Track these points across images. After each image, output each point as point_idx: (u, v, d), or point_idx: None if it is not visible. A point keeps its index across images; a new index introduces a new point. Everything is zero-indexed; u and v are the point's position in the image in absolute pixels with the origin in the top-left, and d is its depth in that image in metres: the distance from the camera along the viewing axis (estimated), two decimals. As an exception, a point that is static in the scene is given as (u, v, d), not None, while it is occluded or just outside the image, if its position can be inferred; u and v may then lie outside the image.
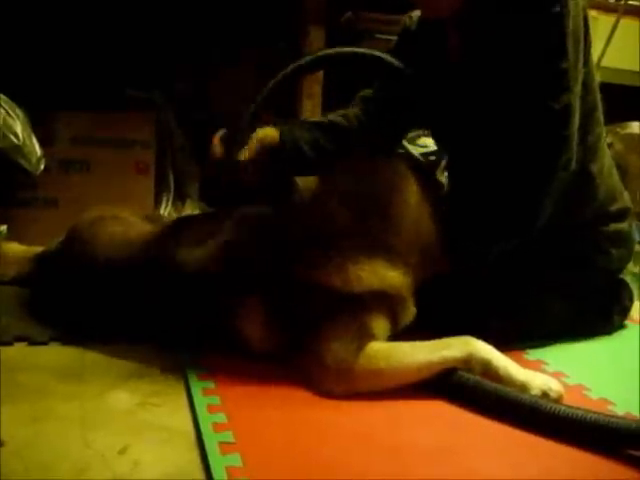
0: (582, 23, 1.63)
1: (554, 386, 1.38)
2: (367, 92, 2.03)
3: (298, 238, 1.50)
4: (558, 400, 1.35)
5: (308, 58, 1.77)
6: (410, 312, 1.54)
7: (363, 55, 1.81)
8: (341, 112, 2.00)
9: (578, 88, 1.62)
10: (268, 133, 1.77)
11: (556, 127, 1.58)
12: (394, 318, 1.50)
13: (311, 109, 3.18)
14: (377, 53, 1.82)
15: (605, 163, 1.87)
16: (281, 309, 1.49)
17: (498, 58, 1.63)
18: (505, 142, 1.60)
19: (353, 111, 2.00)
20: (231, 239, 1.56)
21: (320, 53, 1.82)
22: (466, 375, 1.39)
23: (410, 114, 1.99)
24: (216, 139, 1.75)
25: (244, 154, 1.69)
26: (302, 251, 1.48)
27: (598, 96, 1.82)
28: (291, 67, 1.73)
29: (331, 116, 1.98)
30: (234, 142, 1.71)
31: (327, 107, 3.11)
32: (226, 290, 1.52)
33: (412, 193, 1.56)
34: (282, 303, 1.49)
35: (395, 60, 1.82)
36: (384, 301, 1.47)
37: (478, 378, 1.38)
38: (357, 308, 1.44)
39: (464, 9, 1.69)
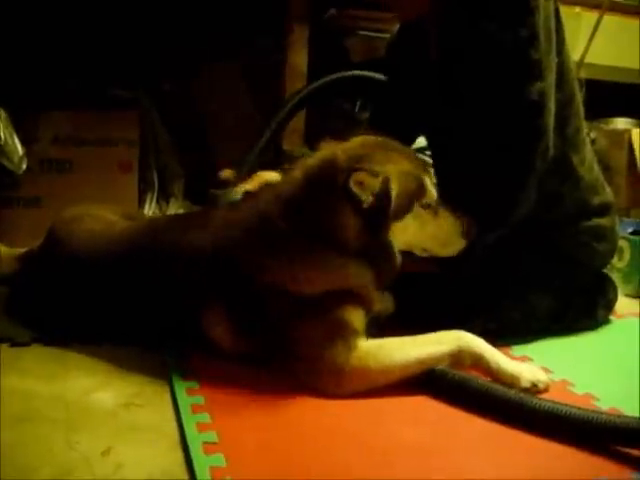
0: (553, 14, 1.66)
1: (542, 377, 1.43)
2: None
3: (248, 243, 1.48)
4: (545, 390, 1.40)
5: (304, 92, 1.92)
6: (376, 300, 1.51)
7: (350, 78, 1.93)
8: None
9: (552, 78, 1.64)
10: (271, 175, 1.87)
11: (530, 116, 1.60)
12: (364, 306, 1.48)
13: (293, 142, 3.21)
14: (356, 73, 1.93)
15: (586, 156, 1.88)
16: (244, 314, 1.48)
17: (471, 51, 1.64)
18: (482, 133, 1.62)
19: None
20: (194, 242, 1.54)
21: (312, 86, 1.95)
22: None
23: (407, 123, 2.02)
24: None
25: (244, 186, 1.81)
26: (253, 256, 1.47)
27: (576, 87, 1.84)
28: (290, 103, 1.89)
29: None
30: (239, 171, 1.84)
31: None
32: (192, 294, 1.51)
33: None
34: (244, 308, 1.48)
35: (376, 74, 1.91)
36: (349, 296, 1.44)
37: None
38: (325, 308, 1.42)
39: (436, 7, 1.71)
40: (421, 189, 1.45)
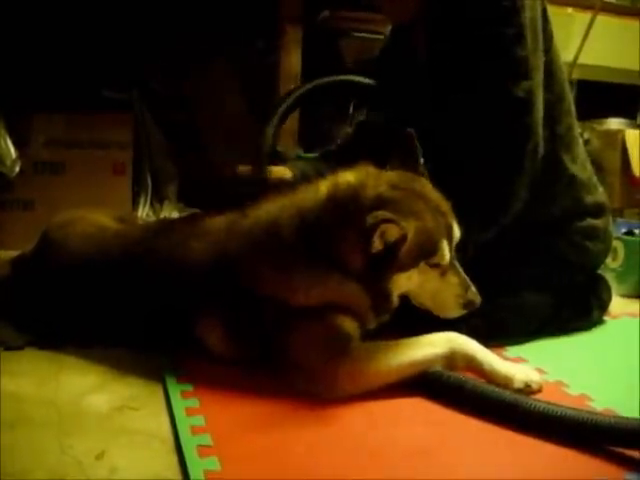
0: (540, 13, 1.67)
1: (535, 378, 1.43)
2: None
3: (251, 254, 1.48)
4: (539, 391, 1.41)
5: (298, 92, 1.97)
6: (371, 321, 1.50)
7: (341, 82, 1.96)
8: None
9: (539, 77, 1.65)
10: (281, 170, 1.99)
11: (518, 114, 1.61)
12: (358, 321, 1.48)
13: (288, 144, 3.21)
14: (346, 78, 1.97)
15: (579, 154, 1.89)
16: (240, 321, 1.48)
17: (459, 51, 1.66)
18: (471, 133, 1.63)
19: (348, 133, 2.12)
20: (195, 248, 1.54)
21: (305, 87, 2.00)
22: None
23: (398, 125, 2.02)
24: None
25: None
26: (256, 268, 1.47)
27: (566, 86, 1.85)
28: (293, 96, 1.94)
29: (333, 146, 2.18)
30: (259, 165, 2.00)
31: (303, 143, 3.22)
32: (188, 300, 1.51)
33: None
34: (240, 316, 1.48)
35: (366, 79, 1.94)
36: (344, 308, 1.44)
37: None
38: (320, 315, 1.42)
39: (425, 8, 1.72)
40: (433, 250, 1.40)
